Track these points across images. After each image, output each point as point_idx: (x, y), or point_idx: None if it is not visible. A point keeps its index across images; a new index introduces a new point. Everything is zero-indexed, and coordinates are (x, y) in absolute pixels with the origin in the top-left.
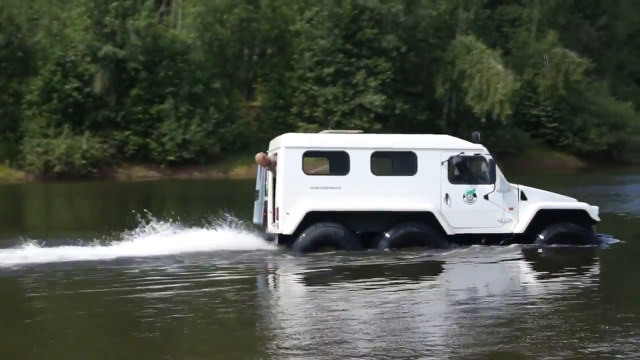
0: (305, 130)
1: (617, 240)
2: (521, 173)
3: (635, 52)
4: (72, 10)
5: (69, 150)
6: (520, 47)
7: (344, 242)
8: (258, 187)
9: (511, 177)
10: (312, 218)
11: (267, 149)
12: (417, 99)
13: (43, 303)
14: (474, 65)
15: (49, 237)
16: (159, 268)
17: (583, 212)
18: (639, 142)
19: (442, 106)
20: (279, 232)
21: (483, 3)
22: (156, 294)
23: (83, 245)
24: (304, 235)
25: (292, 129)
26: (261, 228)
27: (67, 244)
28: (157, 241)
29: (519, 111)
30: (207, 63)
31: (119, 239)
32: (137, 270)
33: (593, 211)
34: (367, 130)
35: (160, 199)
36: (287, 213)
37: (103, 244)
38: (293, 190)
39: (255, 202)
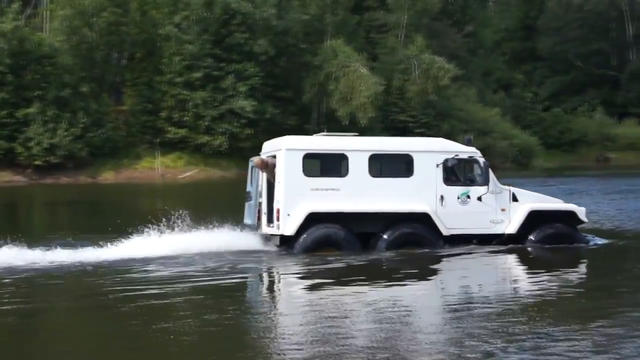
0: (175, 135)
1: (604, 241)
2: None
3: (501, 58)
4: None
5: None
6: (389, 53)
7: (344, 243)
8: (249, 188)
9: None
10: (312, 219)
11: (135, 153)
12: (287, 104)
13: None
14: (341, 68)
15: None
16: (150, 271)
17: (572, 213)
18: (505, 148)
19: (310, 111)
20: (280, 233)
21: (350, 8)
22: (151, 299)
23: None
24: (305, 236)
25: (162, 133)
26: (253, 229)
27: None
28: (151, 244)
29: (387, 117)
30: (75, 67)
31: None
32: (128, 275)
33: (581, 212)
34: (237, 135)
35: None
36: (288, 214)
37: None
38: (294, 191)
39: (247, 204)
